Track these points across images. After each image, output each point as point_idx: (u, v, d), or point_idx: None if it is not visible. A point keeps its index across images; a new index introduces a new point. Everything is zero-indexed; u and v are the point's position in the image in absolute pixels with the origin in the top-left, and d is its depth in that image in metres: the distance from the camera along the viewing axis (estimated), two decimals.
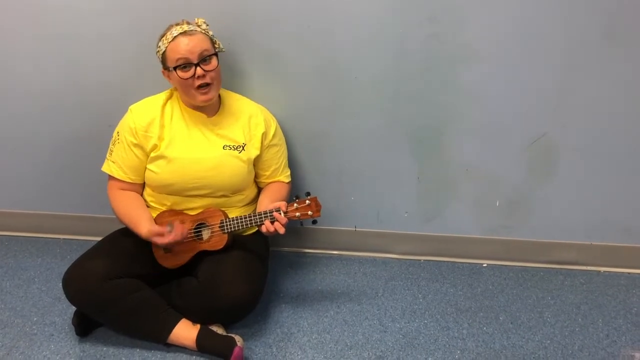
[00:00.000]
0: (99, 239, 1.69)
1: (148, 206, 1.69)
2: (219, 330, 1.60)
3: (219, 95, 1.68)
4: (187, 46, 1.50)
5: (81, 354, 1.59)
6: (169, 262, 1.63)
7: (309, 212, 1.54)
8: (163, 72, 1.59)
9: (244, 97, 1.74)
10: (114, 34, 1.77)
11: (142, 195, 1.71)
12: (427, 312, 1.77)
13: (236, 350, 1.50)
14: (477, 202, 1.93)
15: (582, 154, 1.81)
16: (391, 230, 2.02)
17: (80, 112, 1.92)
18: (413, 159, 1.89)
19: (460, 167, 1.88)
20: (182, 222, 1.63)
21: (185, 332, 1.56)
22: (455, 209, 1.95)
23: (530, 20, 1.64)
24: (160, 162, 1.61)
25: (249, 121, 1.67)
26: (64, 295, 1.55)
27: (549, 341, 1.64)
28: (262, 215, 1.55)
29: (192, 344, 1.55)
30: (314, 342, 1.64)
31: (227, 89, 1.75)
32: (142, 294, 1.55)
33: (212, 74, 1.54)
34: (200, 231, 1.63)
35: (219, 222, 1.60)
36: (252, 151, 1.67)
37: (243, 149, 1.65)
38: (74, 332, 1.64)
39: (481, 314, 1.76)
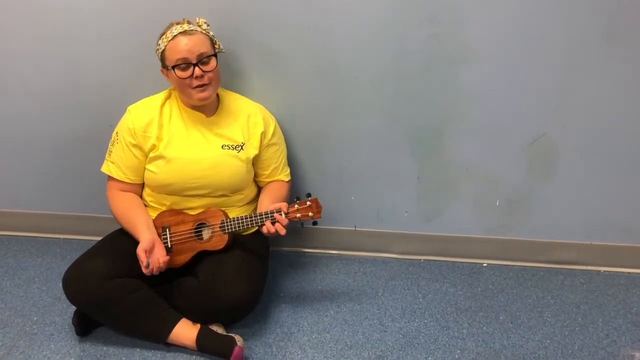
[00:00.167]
0: (99, 238, 1.69)
1: (147, 206, 1.69)
2: (219, 330, 1.60)
3: (218, 95, 1.68)
4: (186, 46, 1.50)
5: (81, 353, 1.59)
6: (169, 262, 1.63)
7: (310, 214, 1.54)
8: (162, 71, 1.59)
9: (243, 97, 1.74)
10: (114, 34, 1.77)
11: (141, 195, 1.71)
12: (427, 312, 1.77)
13: (236, 349, 1.50)
14: (477, 202, 1.93)
15: (582, 154, 1.81)
16: (391, 230, 2.03)
17: (80, 112, 1.92)
18: (413, 159, 1.89)
19: (460, 167, 1.88)
20: (183, 222, 1.63)
21: (185, 331, 1.56)
22: (455, 208, 1.95)
23: (530, 20, 1.64)
24: (159, 162, 1.61)
25: (248, 120, 1.67)
26: (64, 295, 1.54)
27: (549, 341, 1.64)
28: (263, 216, 1.55)
29: (192, 343, 1.55)
30: (314, 342, 1.64)
31: (227, 88, 1.75)
32: (142, 294, 1.55)
33: (210, 74, 1.54)
34: (200, 231, 1.64)
35: (220, 222, 1.60)
36: (251, 150, 1.67)
37: (242, 148, 1.65)
38: (74, 332, 1.64)
39: (481, 313, 1.76)
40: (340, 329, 1.69)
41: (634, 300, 1.82)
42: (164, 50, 1.54)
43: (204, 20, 1.59)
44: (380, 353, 1.59)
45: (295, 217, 1.54)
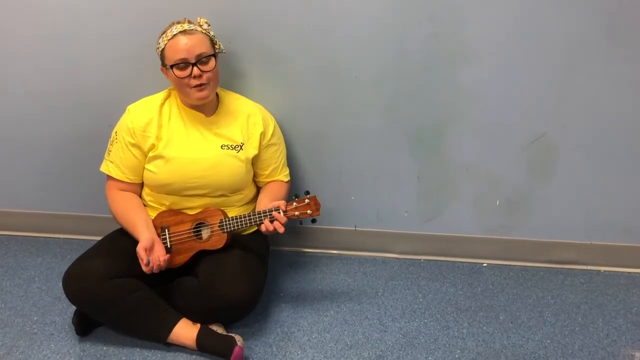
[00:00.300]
0: (99, 238, 1.69)
1: (146, 205, 1.69)
2: (219, 329, 1.60)
3: (217, 95, 1.68)
4: (185, 45, 1.50)
5: (81, 353, 1.59)
6: (169, 262, 1.63)
7: (309, 211, 1.54)
8: (162, 69, 1.59)
9: (242, 97, 1.74)
10: (114, 34, 1.77)
11: (140, 195, 1.71)
12: (427, 312, 1.77)
13: (236, 349, 1.50)
14: (477, 201, 1.93)
15: (582, 154, 1.81)
16: (391, 230, 2.02)
17: (80, 112, 1.92)
18: (413, 159, 1.89)
19: (460, 167, 1.88)
20: (182, 221, 1.63)
21: (185, 331, 1.56)
22: (455, 208, 1.95)
23: (530, 20, 1.64)
24: (158, 162, 1.61)
25: (247, 120, 1.67)
26: (64, 295, 1.54)
27: (549, 340, 1.64)
28: (262, 215, 1.55)
29: (192, 343, 1.55)
30: (314, 342, 1.64)
31: (227, 88, 1.75)
32: (142, 294, 1.55)
33: (209, 74, 1.54)
34: (199, 230, 1.64)
35: (219, 221, 1.60)
36: (250, 150, 1.67)
37: (241, 148, 1.65)
38: (74, 332, 1.64)
39: (481, 313, 1.76)
40: (340, 329, 1.69)
41: (634, 300, 1.82)
42: (163, 49, 1.54)
43: (205, 20, 1.59)
44: (380, 353, 1.59)
45: (294, 215, 1.54)
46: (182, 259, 1.62)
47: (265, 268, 1.74)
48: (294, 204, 1.54)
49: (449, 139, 1.84)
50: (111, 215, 1.68)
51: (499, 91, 1.74)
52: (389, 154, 1.88)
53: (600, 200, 1.88)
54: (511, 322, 1.72)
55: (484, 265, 2.02)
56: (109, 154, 1.66)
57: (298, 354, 1.59)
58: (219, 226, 1.60)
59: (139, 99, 1.66)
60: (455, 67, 1.72)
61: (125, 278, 1.54)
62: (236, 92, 1.75)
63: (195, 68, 1.51)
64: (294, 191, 1.87)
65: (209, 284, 1.54)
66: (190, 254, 1.62)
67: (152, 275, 1.55)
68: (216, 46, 1.60)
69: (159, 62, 1.59)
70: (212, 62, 1.55)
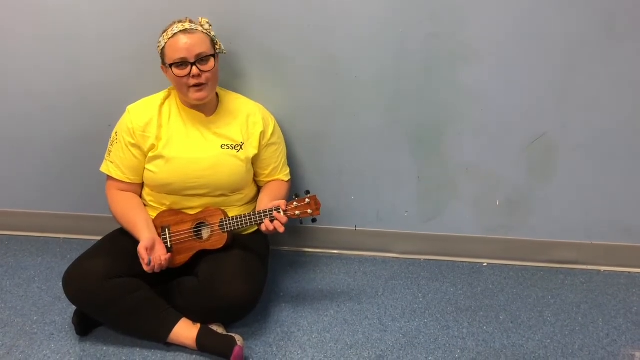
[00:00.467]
0: (99, 238, 1.69)
1: (147, 205, 1.69)
2: (219, 329, 1.60)
3: (217, 95, 1.68)
4: (185, 45, 1.50)
5: (81, 353, 1.59)
6: (169, 262, 1.63)
7: (309, 211, 1.54)
8: (162, 68, 1.59)
9: (242, 96, 1.74)
10: (114, 34, 1.77)
11: (141, 195, 1.71)
12: (427, 312, 1.77)
13: (236, 349, 1.50)
14: (477, 201, 1.93)
15: (582, 154, 1.81)
16: (391, 230, 2.02)
17: (80, 112, 1.92)
18: (413, 158, 1.89)
19: (460, 167, 1.88)
20: (182, 221, 1.63)
21: (185, 331, 1.56)
22: (455, 208, 1.95)
23: (530, 20, 1.64)
24: (159, 161, 1.61)
25: (247, 120, 1.67)
26: (64, 295, 1.54)
27: (549, 340, 1.64)
28: (262, 214, 1.55)
29: (192, 343, 1.55)
30: (314, 342, 1.64)
31: (227, 88, 1.75)
32: (142, 294, 1.55)
33: (207, 74, 1.54)
34: (200, 230, 1.64)
35: (219, 221, 1.60)
36: (250, 150, 1.67)
37: (241, 148, 1.65)
38: (74, 332, 1.64)
39: (481, 313, 1.76)
40: (340, 329, 1.69)
41: (634, 299, 1.82)
42: (163, 47, 1.54)
43: (206, 20, 1.59)
44: (381, 353, 1.59)
45: (294, 214, 1.54)
46: (182, 258, 1.62)
47: (266, 268, 1.74)
48: (294, 203, 1.54)
49: (449, 139, 1.84)
50: (111, 215, 1.68)
51: (499, 91, 1.74)
52: (389, 154, 1.89)
53: (600, 200, 1.88)
54: (511, 322, 1.72)
55: (484, 265, 2.02)
56: (109, 154, 1.66)
57: (298, 354, 1.59)
58: (219, 226, 1.60)
59: (139, 99, 1.66)
60: (455, 67, 1.72)
61: (125, 278, 1.54)
62: (236, 92, 1.75)
63: (194, 67, 1.51)
64: (294, 191, 1.87)
65: (209, 284, 1.54)
66: (191, 253, 1.62)
67: (152, 275, 1.55)
68: (217, 47, 1.60)
69: (159, 62, 1.59)
70: (212, 62, 1.55)
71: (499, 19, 1.64)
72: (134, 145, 1.61)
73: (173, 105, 1.64)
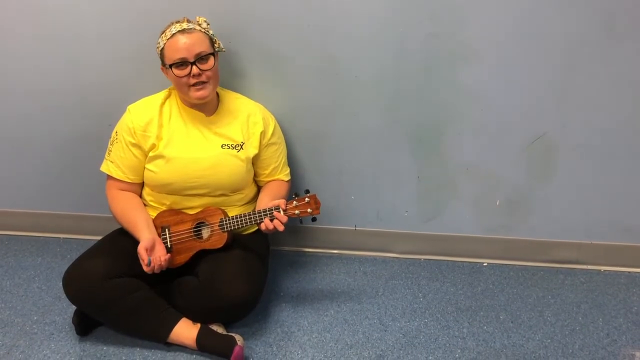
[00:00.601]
0: (99, 238, 1.69)
1: (147, 205, 1.69)
2: (219, 329, 1.60)
3: (218, 94, 1.68)
4: (184, 45, 1.50)
5: (81, 353, 1.59)
6: (169, 262, 1.63)
7: (309, 210, 1.54)
8: (162, 69, 1.59)
9: (243, 96, 1.74)
10: (114, 34, 1.77)
11: (141, 195, 1.71)
12: (427, 311, 1.77)
13: (236, 349, 1.50)
14: (477, 201, 1.93)
15: (582, 154, 1.81)
16: (391, 230, 2.03)
17: (80, 112, 1.92)
18: (413, 158, 1.89)
19: (460, 167, 1.88)
20: (182, 221, 1.63)
21: (185, 331, 1.56)
22: (455, 208, 1.95)
23: (530, 20, 1.64)
24: (159, 161, 1.61)
25: (248, 120, 1.67)
26: (64, 295, 1.54)
27: (549, 340, 1.64)
28: (262, 214, 1.55)
29: (193, 343, 1.55)
30: (314, 341, 1.64)
31: (227, 88, 1.75)
32: (142, 294, 1.55)
33: (208, 73, 1.54)
34: (200, 230, 1.64)
35: (219, 220, 1.60)
36: (251, 150, 1.67)
37: (241, 147, 1.65)
38: (74, 331, 1.64)
39: (481, 313, 1.76)
40: (340, 329, 1.69)
41: (635, 299, 1.82)
42: (163, 49, 1.54)
43: (204, 19, 1.59)
44: (381, 352, 1.59)
45: (294, 213, 1.54)
46: (182, 258, 1.62)
47: (266, 268, 1.74)
48: (294, 202, 1.54)
49: (449, 139, 1.84)
50: (111, 215, 1.68)
51: (499, 91, 1.74)
52: (389, 154, 1.89)
53: (600, 200, 1.88)
54: (511, 322, 1.72)
55: (484, 264, 2.02)
56: (109, 153, 1.66)
57: (298, 354, 1.59)
58: (219, 225, 1.60)
59: (139, 99, 1.66)
60: (455, 67, 1.72)
61: (125, 278, 1.54)
62: (236, 91, 1.75)
63: (194, 67, 1.51)
64: (294, 191, 1.87)
65: (209, 284, 1.54)
66: (191, 253, 1.62)
67: (152, 275, 1.55)
68: (215, 45, 1.60)
69: (159, 62, 1.59)
70: (212, 61, 1.55)
71: (499, 19, 1.64)
72: (134, 144, 1.61)
73: (173, 105, 1.64)
